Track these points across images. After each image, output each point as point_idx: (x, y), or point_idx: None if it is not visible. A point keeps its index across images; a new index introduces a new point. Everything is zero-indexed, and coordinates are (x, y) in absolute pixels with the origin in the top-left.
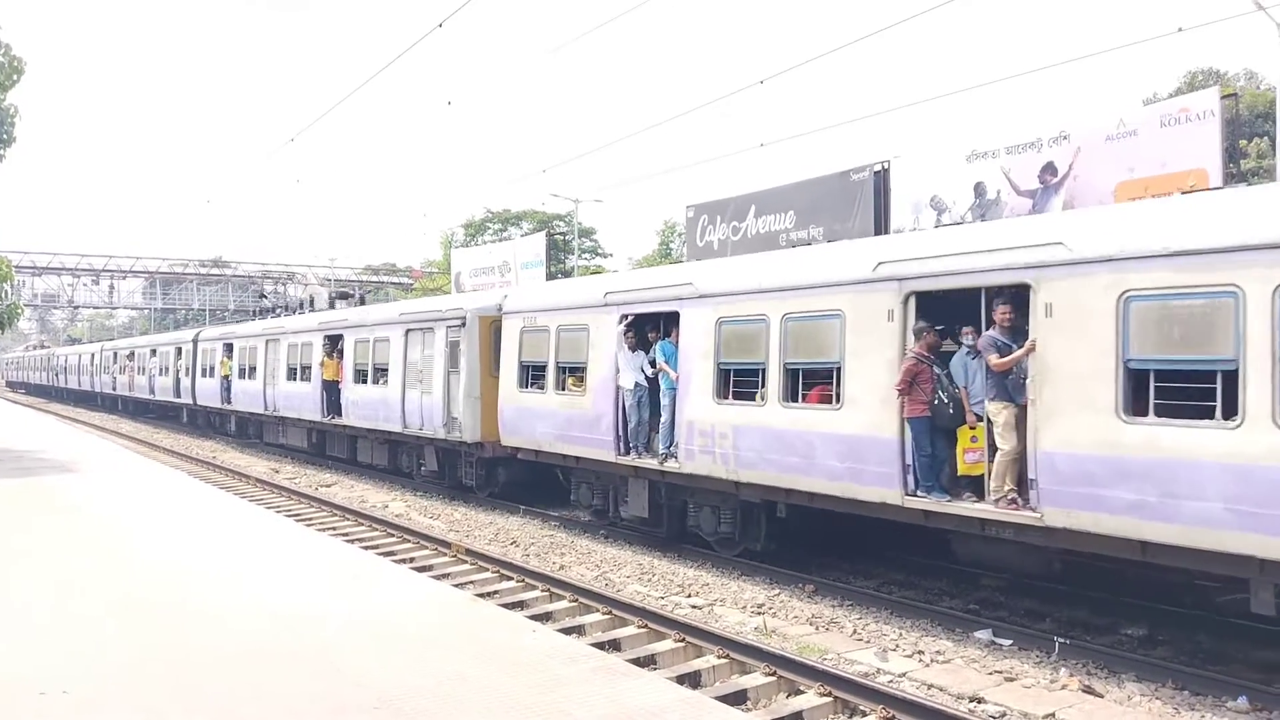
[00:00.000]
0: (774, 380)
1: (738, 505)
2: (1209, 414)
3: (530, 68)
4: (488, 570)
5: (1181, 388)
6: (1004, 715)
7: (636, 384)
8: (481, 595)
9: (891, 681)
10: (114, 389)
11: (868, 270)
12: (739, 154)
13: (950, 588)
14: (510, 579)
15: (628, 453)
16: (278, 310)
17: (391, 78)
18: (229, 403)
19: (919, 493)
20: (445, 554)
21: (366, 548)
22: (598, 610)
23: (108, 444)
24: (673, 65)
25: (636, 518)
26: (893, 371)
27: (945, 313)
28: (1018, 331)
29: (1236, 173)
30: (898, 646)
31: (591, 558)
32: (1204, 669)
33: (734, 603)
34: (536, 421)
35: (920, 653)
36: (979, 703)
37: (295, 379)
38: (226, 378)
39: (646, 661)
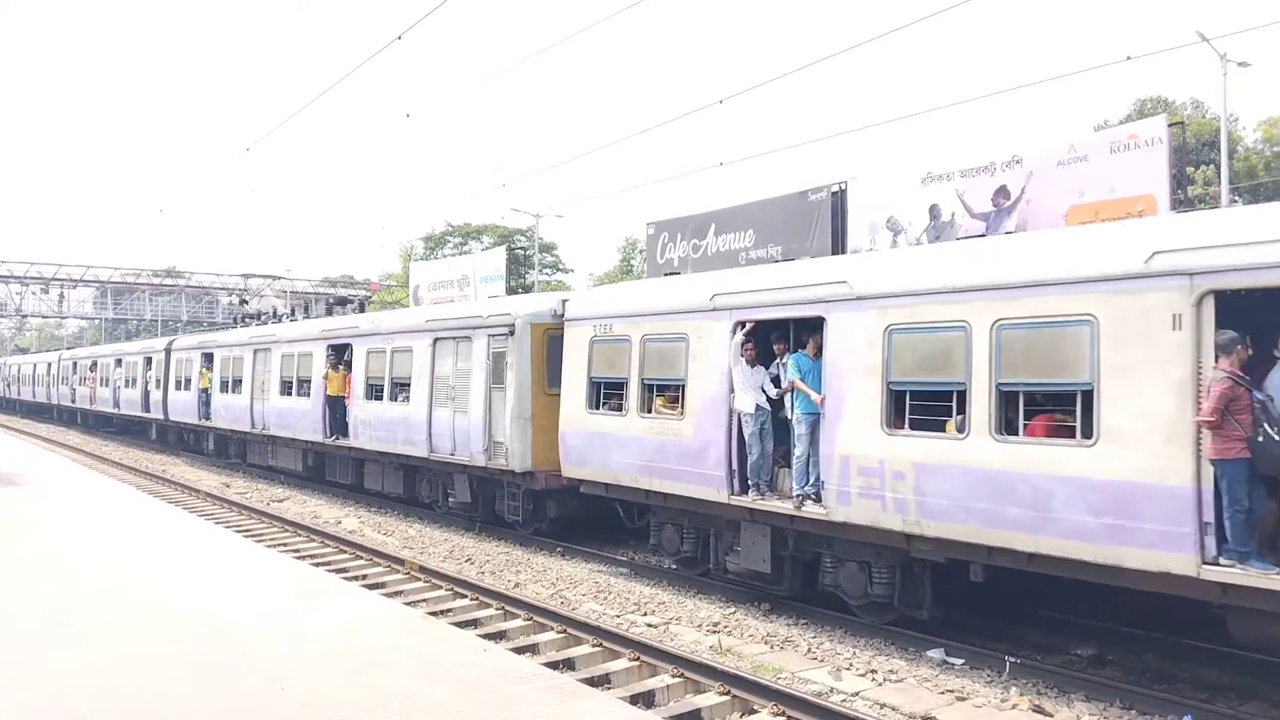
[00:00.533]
0: (981, 406)
1: (902, 563)
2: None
3: (489, 82)
4: (441, 588)
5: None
6: None
7: (758, 407)
8: (434, 613)
9: (845, 701)
10: (73, 401)
11: (1137, 262)
12: (699, 172)
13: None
14: (464, 597)
15: (744, 491)
16: (263, 317)
17: (350, 89)
18: (207, 419)
19: (1223, 560)
20: (398, 571)
21: (318, 564)
22: (552, 629)
23: (56, 457)
24: (634, 82)
25: (749, 571)
26: (1180, 396)
27: (1257, 318)
28: None
29: (1184, 199)
30: (851, 665)
31: (547, 575)
32: (1151, 689)
33: (690, 621)
34: (612, 450)
35: (874, 672)
36: None
37: (290, 393)
38: (205, 391)
39: (600, 681)
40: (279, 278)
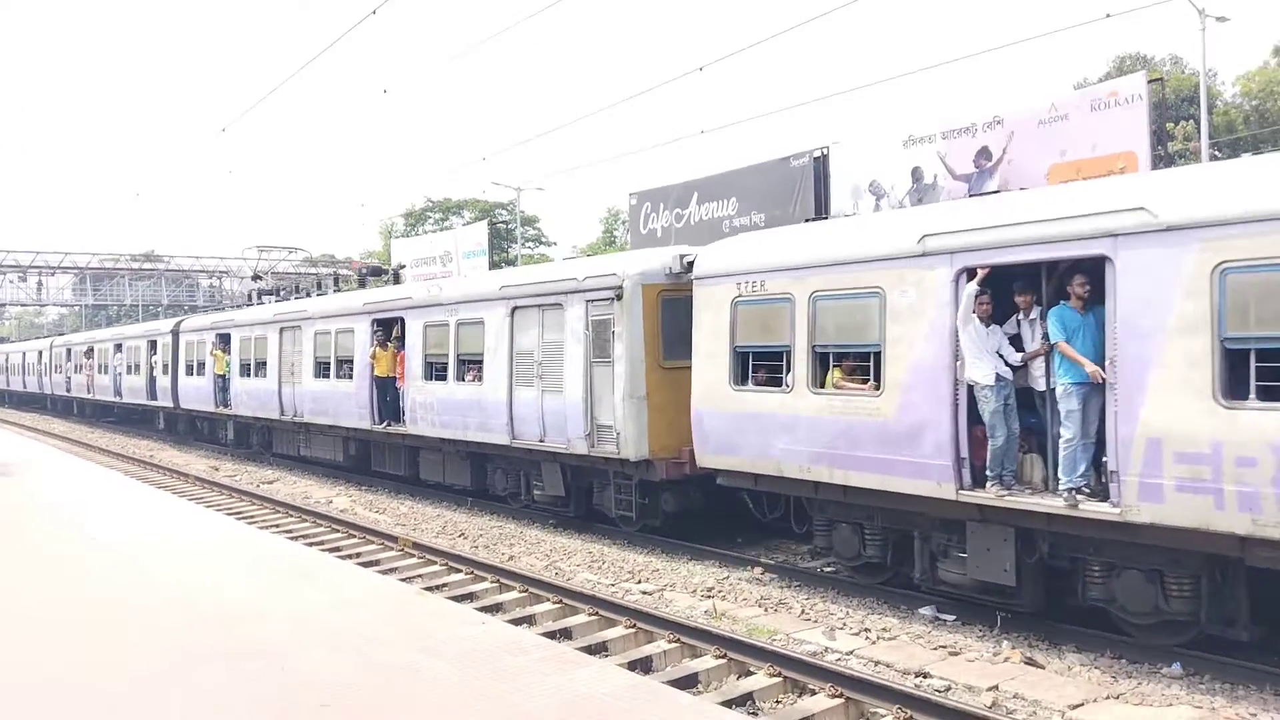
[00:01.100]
0: None
1: (1210, 571)
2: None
3: (468, 55)
4: (436, 563)
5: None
6: (949, 688)
7: (999, 377)
8: (430, 589)
9: (839, 660)
10: (68, 390)
11: None
12: (680, 140)
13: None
14: (459, 571)
15: (978, 484)
16: (281, 292)
17: (325, 66)
18: (225, 405)
19: None
20: (392, 548)
21: (311, 544)
22: (548, 600)
23: (44, 447)
24: (613, 52)
25: (977, 582)
26: None
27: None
28: None
29: (1164, 155)
30: (845, 625)
31: (541, 547)
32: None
33: (684, 587)
34: (771, 435)
35: (867, 630)
36: (925, 677)
37: (328, 375)
38: (223, 376)
39: (598, 649)
40: (292, 247)
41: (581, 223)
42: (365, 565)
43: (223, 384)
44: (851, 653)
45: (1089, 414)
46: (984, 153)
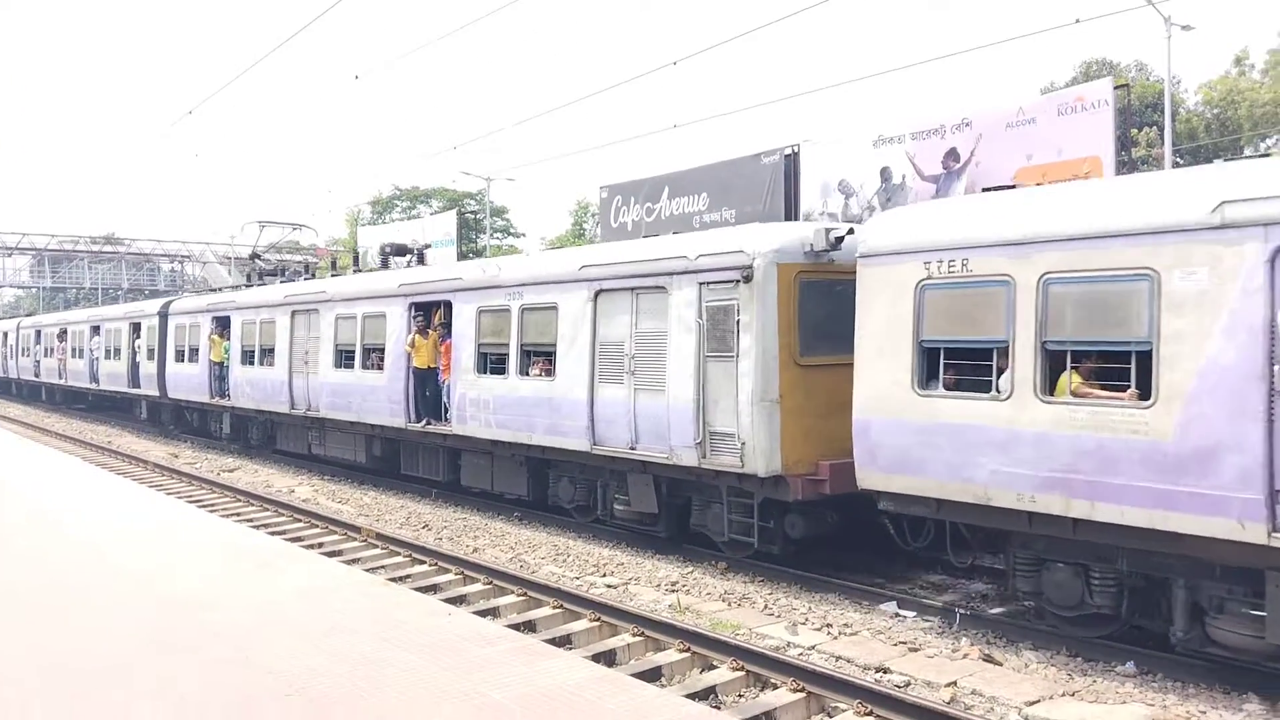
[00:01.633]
0: None
1: None
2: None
3: (441, 43)
4: (400, 554)
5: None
6: (909, 684)
7: None
8: (394, 579)
9: (801, 654)
10: (36, 375)
11: None
12: (652, 135)
13: (857, 562)
14: (423, 563)
15: None
16: (285, 271)
17: (296, 50)
18: (223, 396)
19: None
20: (355, 539)
21: (274, 533)
22: (512, 592)
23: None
24: (587, 44)
25: (1276, 648)
26: None
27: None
28: None
29: (1128, 160)
30: (807, 620)
31: (506, 540)
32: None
33: (648, 581)
34: (975, 451)
35: (829, 626)
36: (885, 673)
37: (350, 365)
38: (221, 364)
39: (563, 641)
40: (298, 224)
41: (550, 214)
42: (329, 555)
43: (219, 372)
44: (814, 648)
45: None
46: (952, 154)
